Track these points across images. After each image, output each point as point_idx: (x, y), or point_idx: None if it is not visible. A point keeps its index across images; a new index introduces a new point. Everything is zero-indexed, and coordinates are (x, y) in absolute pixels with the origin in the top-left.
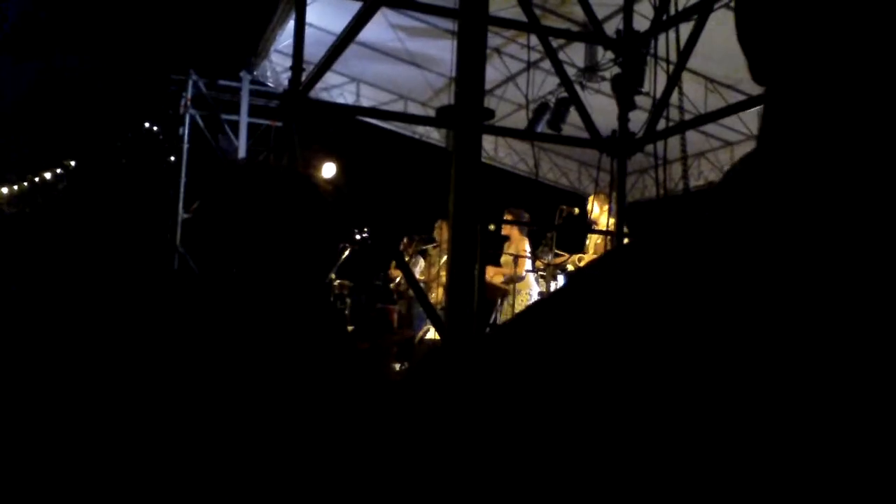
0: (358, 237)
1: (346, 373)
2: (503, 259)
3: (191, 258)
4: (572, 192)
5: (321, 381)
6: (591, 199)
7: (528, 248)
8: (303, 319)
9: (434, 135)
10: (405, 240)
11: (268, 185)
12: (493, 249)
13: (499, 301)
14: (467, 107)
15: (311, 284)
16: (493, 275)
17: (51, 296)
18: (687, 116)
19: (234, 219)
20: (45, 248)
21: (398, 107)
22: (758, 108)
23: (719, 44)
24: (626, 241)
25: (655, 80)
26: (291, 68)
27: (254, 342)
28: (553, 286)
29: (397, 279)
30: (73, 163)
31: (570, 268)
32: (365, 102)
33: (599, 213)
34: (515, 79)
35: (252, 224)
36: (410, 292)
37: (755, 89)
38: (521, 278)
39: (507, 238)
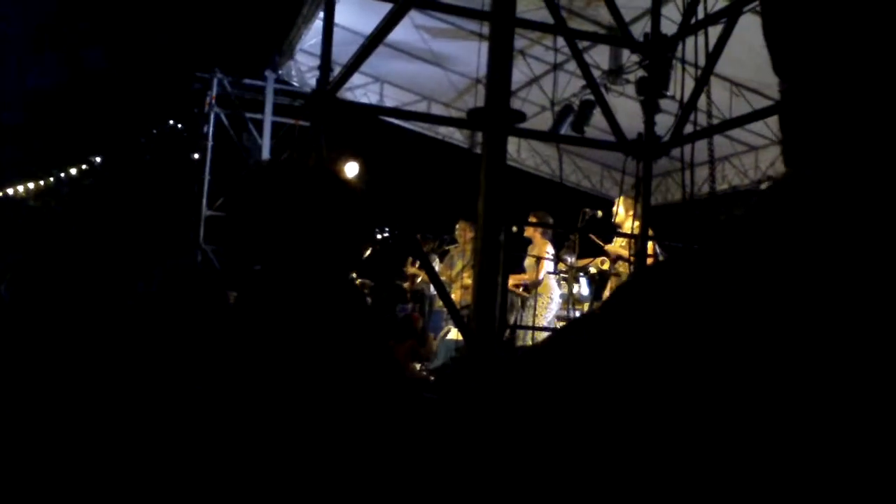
0: (379, 237)
1: (375, 371)
2: (526, 263)
3: (214, 255)
4: (595, 195)
5: (352, 378)
6: (618, 200)
7: (550, 250)
8: (336, 315)
9: (457, 136)
10: (417, 237)
11: (299, 181)
12: (517, 252)
13: (519, 303)
14: (497, 110)
15: (343, 280)
16: (512, 284)
17: (74, 289)
18: (713, 121)
19: (265, 215)
20: (69, 241)
21: (421, 107)
22: None
23: (744, 48)
24: (650, 244)
25: (683, 83)
26: (319, 68)
27: (286, 338)
28: (576, 289)
29: (419, 278)
30: (98, 159)
31: (592, 270)
32: (388, 103)
33: (625, 216)
34: (539, 80)
35: (283, 220)
36: (429, 290)
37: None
38: (539, 283)
39: (529, 241)
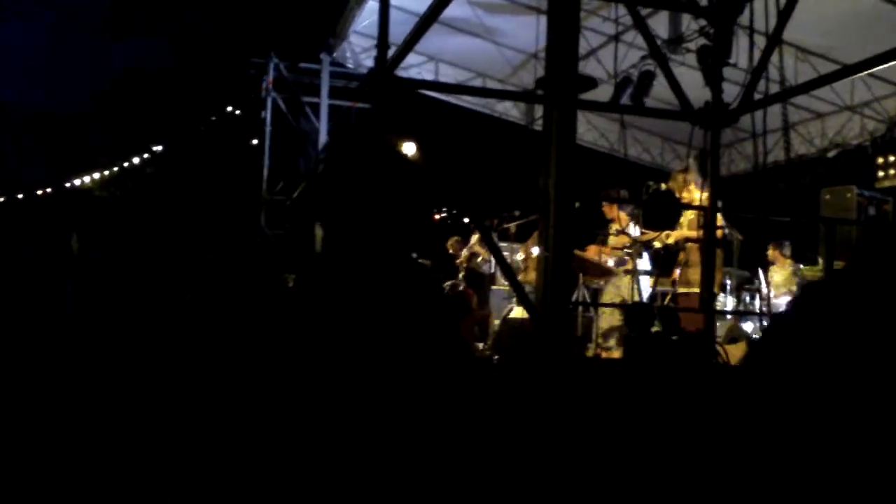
0: (437, 217)
1: (447, 350)
2: (612, 241)
3: (275, 239)
4: (656, 168)
5: (425, 357)
6: (670, 185)
7: (632, 229)
8: (406, 294)
9: (513, 112)
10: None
11: (363, 160)
12: (582, 227)
13: (602, 283)
14: (564, 78)
15: (408, 258)
16: (596, 253)
17: (152, 275)
18: (786, 85)
19: (336, 193)
20: (137, 230)
21: (476, 84)
22: (852, 77)
23: (810, 11)
24: (718, 216)
25: (752, 49)
26: (377, 47)
27: (355, 318)
28: (639, 263)
29: (479, 257)
30: (159, 147)
31: (657, 245)
32: (443, 81)
33: (679, 195)
34: (596, 53)
35: (349, 198)
36: (487, 269)
37: (849, 58)
38: (624, 263)
39: (611, 221)
